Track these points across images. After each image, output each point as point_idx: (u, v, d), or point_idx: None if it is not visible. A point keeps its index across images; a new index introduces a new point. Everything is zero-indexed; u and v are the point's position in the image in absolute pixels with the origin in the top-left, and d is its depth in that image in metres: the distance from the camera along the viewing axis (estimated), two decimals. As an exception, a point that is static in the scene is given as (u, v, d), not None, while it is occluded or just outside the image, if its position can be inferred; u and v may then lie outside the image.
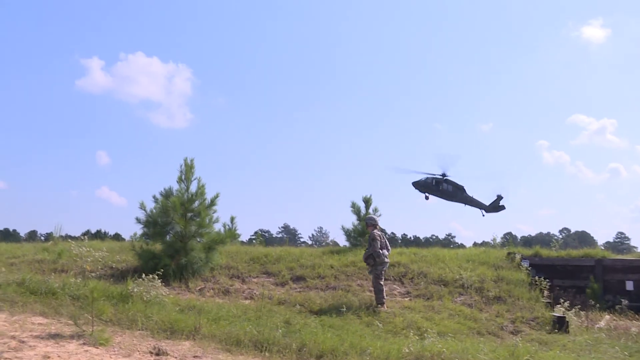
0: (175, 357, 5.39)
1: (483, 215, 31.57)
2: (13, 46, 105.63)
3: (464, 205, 29.92)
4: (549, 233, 67.33)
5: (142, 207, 11.17)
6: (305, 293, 10.20)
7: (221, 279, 10.97)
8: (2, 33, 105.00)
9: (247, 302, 9.65)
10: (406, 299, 10.13)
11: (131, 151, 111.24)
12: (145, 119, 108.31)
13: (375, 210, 13.96)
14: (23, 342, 5.13)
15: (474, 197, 29.79)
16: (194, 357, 5.51)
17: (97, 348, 5.28)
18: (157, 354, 5.35)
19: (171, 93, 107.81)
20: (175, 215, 10.91)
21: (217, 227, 11.87)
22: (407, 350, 6.18)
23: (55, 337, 5.57)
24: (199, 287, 10.51)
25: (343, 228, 14.56)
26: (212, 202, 11.51)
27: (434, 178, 29.57)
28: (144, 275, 8.05)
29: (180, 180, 11.31)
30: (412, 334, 7.04)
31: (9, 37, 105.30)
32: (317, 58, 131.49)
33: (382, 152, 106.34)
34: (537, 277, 10.60)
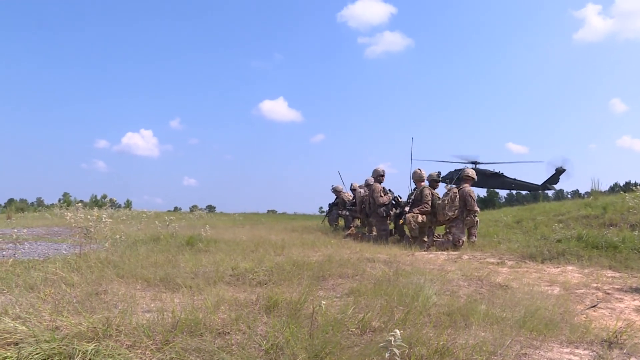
0: None
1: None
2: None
3: (509, 190, 28.94)
4: None
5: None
6: None
7: None
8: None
9: None
10: None
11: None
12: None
13: None
14: (608, 294, 5.14)
15: (517, 179, 28.34)
16: None
17: (696, 305, 4.68)
18: None
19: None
20: None
21: None
22: None
23: (638, 290, 5.33)
24: None
25: None
26: None
27: (456, 170, 27.77)
28: None
29: None
30: None
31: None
32: None
33: None
34: None
